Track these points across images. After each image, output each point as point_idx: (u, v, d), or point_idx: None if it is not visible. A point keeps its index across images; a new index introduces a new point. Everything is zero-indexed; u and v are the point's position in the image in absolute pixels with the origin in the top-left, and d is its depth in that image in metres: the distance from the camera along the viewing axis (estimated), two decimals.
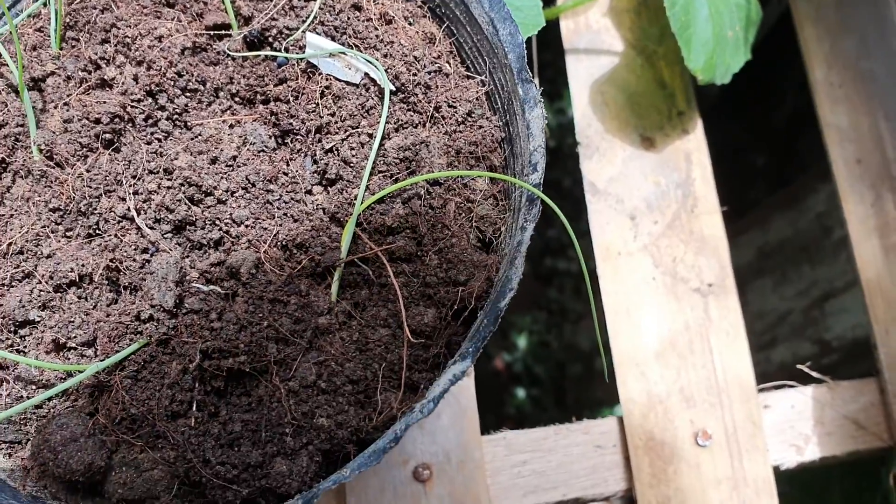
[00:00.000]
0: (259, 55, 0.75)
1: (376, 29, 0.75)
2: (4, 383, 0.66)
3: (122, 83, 0.72)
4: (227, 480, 0.65)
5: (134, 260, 0.67)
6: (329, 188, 0.73)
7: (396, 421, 0.66)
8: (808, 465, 1.10)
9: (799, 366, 1.12)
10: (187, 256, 0.69)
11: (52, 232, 0.70)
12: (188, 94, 0.73)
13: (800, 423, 1.09)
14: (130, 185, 0.68)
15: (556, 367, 2.44)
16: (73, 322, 0.65)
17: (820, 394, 1.10)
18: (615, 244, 1.11)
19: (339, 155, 0.72)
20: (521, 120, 0.71)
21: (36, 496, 0.66)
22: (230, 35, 0.76)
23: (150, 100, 0.72)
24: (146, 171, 0.69)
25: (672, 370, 1.07)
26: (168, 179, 0.69)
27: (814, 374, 1.11)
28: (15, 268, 0.68)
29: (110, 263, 0.67)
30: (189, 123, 0.73)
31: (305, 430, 0.67)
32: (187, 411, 0.67)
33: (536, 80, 0.72)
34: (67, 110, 0.72)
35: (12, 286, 0.67)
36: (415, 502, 0.99)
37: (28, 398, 0.65)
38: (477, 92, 0.76)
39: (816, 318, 1.88)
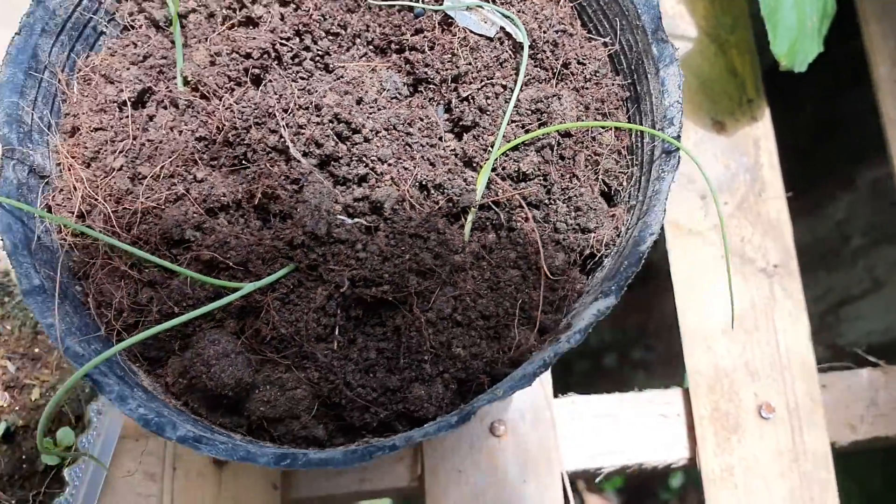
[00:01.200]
0: (394, 5, 0.78)
1: None
2: (155, 300, 0.68)
3: (270, 21, 0.75)
4: (367, 402, 0.68)
5: (285, 189, 0.70)
6: (463, 135, 0.76)
7: (530, 355, 0.69)
8: (861, 445, 1.14)
9: (855, 349, 1.16)
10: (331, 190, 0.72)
11: (199, 160, 0.72)
12: (330, 38, 0.76)
13: (854, 404, 1.13)
14: (283, 118, 0.71)
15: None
16: (227, 243, 0.68)
17: (875, 377, 1.14)
18: (685, 222, 1.15)
19: (474, 103, 0.75)
20: (653, 79, 0.74)
21: (179, 410, 0.68)
22: None
23: (297, 39, 0.75)
24: (297, 106, 0.72)
25: (738, 345, 1.10)
26: (317, 115, 0.72)
27: (869, 357, 1.15)
28: (168, 189, 0.70)
29: (266, 190, 0.70)
30: (330, 66, 0.76)
31: (442, 358, 0.69)
32: (330, 336, 0.69)
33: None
34: (213, 45, 0.75)
35: (165, 207, 0.70)
36: (489, 454, 1.02)
37: (178, 315, 0.68)
38: (602, 52, 0.79)
39: (831, 324, 1.92)
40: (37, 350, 0.98)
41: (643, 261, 0.66)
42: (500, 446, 1.03)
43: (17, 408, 0.95)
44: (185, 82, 0.75)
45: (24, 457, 0.93)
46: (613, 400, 1.10)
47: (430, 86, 0.77)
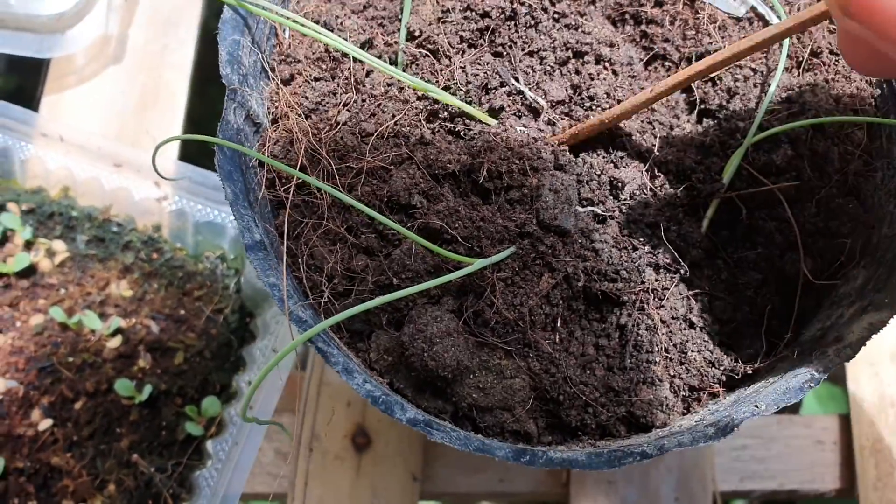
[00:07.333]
0: None
1: None
2: (371, 269, 0.63)
3: None
4: (589, 400, 0.62)
5: (514, 163, 0.64)
6: (704, 118, 0.70)
7: (775, 366, 0.63)
8: None
9: None
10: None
11: (422, 120, 0.67)
12: (568, 1, 0.70)
13: None
14: (517, 88, 0.65)
15: None
16: (458, 212, 0.62)
17: None
18: None
19: (721, 84, 0.69)
20: None
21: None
22: None
23: None
24: (534, 73, 0.66)
25: None
26: (554, 84, 0.66)
27: None
28: (393, 149, 0.64)
29: (491, 167, 0.64)
30: (563, 34, 0.70)
31: (674, 362, 0.63)
32: (553, 325, 0.63)
33: None
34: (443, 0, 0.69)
35: (391, 168, 0.64)
36: (644, 467, 0.97)
37: (396, 287, 0.62)
38: None
39: None
40: (182, 312, 0.93)
41: None
42: (655, 461, 0.96)
43: (158, 371, 0.90)
44: (410, 37, 0.69)
45: (164, 423, 0.88)
46: (770, 421, 1.04)
47: (667, 63, 0.71)
